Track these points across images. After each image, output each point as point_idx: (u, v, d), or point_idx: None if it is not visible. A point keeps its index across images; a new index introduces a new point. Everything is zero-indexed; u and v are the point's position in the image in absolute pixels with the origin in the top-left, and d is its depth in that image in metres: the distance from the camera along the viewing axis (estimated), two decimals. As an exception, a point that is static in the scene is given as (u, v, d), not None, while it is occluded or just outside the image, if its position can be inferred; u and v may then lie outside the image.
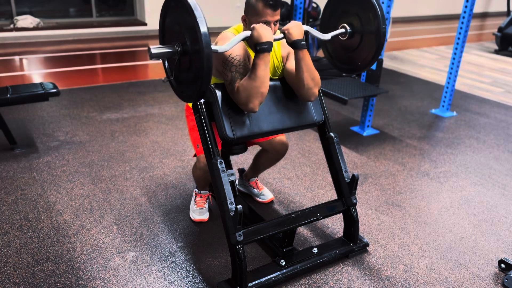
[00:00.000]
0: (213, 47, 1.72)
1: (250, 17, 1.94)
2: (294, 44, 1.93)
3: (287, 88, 2.13)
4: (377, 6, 2.05)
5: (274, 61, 2.09)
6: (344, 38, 2.20)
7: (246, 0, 1.96)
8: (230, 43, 1.83)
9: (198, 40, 1.58)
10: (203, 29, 1.57)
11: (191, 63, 1.69)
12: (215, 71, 2.02)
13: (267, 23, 1.92)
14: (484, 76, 6.12)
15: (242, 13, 2.00)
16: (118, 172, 3.00)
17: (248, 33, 1.85)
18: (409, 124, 4.17)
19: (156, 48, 1.70)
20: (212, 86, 1.99)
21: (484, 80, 5.91)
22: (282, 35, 1.94)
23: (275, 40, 1.92)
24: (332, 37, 2.18)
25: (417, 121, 4.25)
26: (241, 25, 2.05)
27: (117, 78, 5.28)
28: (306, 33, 2.04)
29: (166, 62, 1.88)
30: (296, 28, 1.92)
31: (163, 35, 1.87)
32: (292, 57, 2.10)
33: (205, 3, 8.19)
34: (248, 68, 1.94)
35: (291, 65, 2.08)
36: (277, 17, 1.93)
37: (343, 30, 2.18)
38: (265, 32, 1.82)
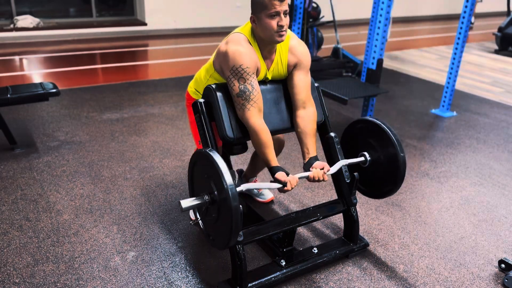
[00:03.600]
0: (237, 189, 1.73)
1: (258, 14, 1.88)
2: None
3: (287, 89, 2.13)
4: (392, 136, 2.08)
5: (278, 66, 2.06)
6: (365, 166, 2.20)
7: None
8: (256, 187, 1.89)
9: (225, 193, 1.63)
10: (229, 184, 1.62)
11: (219, 213, 1.74)
12: (219, 67, 2.00)
13: (277, 14, 1.85)
14: (484, 76, 6.12)
15: (242, 13, 1.99)
16: (118, 172, 3.00)
17: (277, 187, 1.90)
18: (409, 124, 4.17)
19: (187, 202, 1.74)
20: (213, 86, 1.99)
21: (484, 80, 5.91)
22: (306, 176, 1.97)
23: (299, 178, 1.95)
24: (351, 164, 2.18)
25: (417, 121, 4.25)
26: (248, 23, 1.99)
27: (117, 78, 5.28)
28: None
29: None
30: (318, 182, 1.99)
31: (192, 186, 1.94)
32: (301, 69, 2.07)
33: (205, 3, 8.22)
34: (257, 85, 1.94)
35: (298, 79, 2.06)
36: (286, 7, 1.87)
37: (362, 158, 2.19)
38: (294, 186, 1.90)
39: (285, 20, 1.88)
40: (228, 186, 1.62)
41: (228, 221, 1.65)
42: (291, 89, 2.08)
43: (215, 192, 1.72)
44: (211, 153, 1.71)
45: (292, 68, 2.08)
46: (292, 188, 1.90)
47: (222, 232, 1.74)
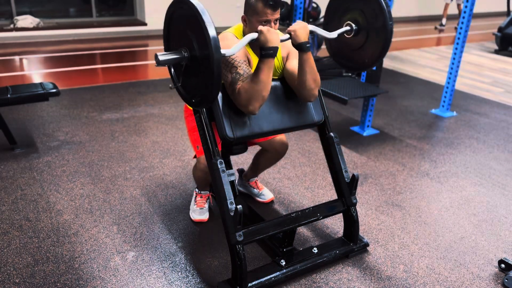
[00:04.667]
0: (221, 51, 1.64)
1: (250, 16, 1.94)
2: (300, 47, 1.91)
3: (287, 88, 2.13)
4: (382, 1, 2.02)
5: (274, 62, 2.08)
6: (350, 36, 2.16)
7: (246, 0, 1.96)
8: (237, 46, 1.80)
9: (207, 45, 1.53)
10: (212, 33, 1.53)
11: (200, 69, 1.65)
12: None
13: (267, 21, 1.92)
14: (484, 76, 6.12)
15: (242, 13, 2.00)
16: (118, 172, 3.00)
17: (254, 35, 1.83)
18: (409, 124, 4.17)
19: (163, 55, 1.65)
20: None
21: (484, 80, 5.91)
22: (288, 36, 1.92)
23: (281, 41, 1.90)
24: (338, 35, 2.14)
25: (417, 121, 4.25)
26: (240, 25, 2.05)
27: (117, 78, 5.28)
28: (311, 32, 2.02)
29: (172, 69, 1.83)
30: (303, 30, 1.90)
31: (168, 41, 1.83)
32: (292, 57, 2.10)
33: (205, 3, 8.20)
34: (248, 69, 1.94)
35: (291, 65, 2.07)
36: (277, 16, 1.93)
37: (348, 28, 2.15)
38: (272, 37, 1.81)
39: (275, 28, 1.95)
40: (211, 37, 1.51)
41: (210, 73, 1.56)
42: (290, 74, 2.08)
43: (195, 46, 1.61)
44: (193, 1, 1.57)
45: (285, 60, 2.12)
46: (266, 31, 1.80)
47: (204, 87, 1.65)
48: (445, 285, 2.10)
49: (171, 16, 1.75)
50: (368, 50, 2.16)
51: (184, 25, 1.67)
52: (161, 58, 1.64)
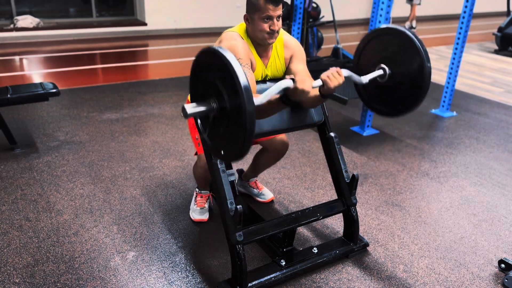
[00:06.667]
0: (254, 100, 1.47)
1: (252, 15, 1.93)
2: (324, 96, 1.84)
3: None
4: (417, 43, 1.87)
5: (276, 62, 2.08)
6: (383, 80, 1.96)
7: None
8: (267, 94, 1.65)
9: (239, 96, 1.41)
10: (243, 83, 1.40)
11: (230, 121, 1.51)
12: None
13: (269, 18, 1.90)
14: (484, 76, 6.12)
15: (242, 13, 2.00)
16: (118, 172, 3.00)
17: (289, 83, 1.69)
18: (409, 124, 4.17)
19: (191, 107, 1.53)
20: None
21: (484, 80, 5.91)
22: (320, 83, 1.78)
23: (313, 87, 1.77)
24: (370, 80, 1.95)
25: (417, 121, 4.25)
26: (243, 24, 2.03)
27: (117, 78, 5.28)
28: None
29: (198, 119, 1.70)
30: (337, 82, 1.78)
31: (195, 90, 1.67)
32: (297, 60, 2.08)
33: (205, 3, 8.23)
34: (251, 75, 1.92)
35: (296, 69, 2.07)
36: (279, 12, 1.92)
37: (381, 71, 1.95)
38: (305, 93, 1.71)
39: (278, 24, 1.93)
40: (243, 87, 1.39)
41: (241, 127, 1.44)
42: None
43: (225, 97, 1.48)
44: (221, 51, 1.46)
45: (289, 62, 2.11)
46: (302, 87, 1.70)
47: (234, 140, 1.51)
48: (445, 285, 2.10)
49: (198, 64, 1.63)
50: (403, 96, 1.96)
51: (213, 74, 1.54)
52: (189, 110, 1.52)
